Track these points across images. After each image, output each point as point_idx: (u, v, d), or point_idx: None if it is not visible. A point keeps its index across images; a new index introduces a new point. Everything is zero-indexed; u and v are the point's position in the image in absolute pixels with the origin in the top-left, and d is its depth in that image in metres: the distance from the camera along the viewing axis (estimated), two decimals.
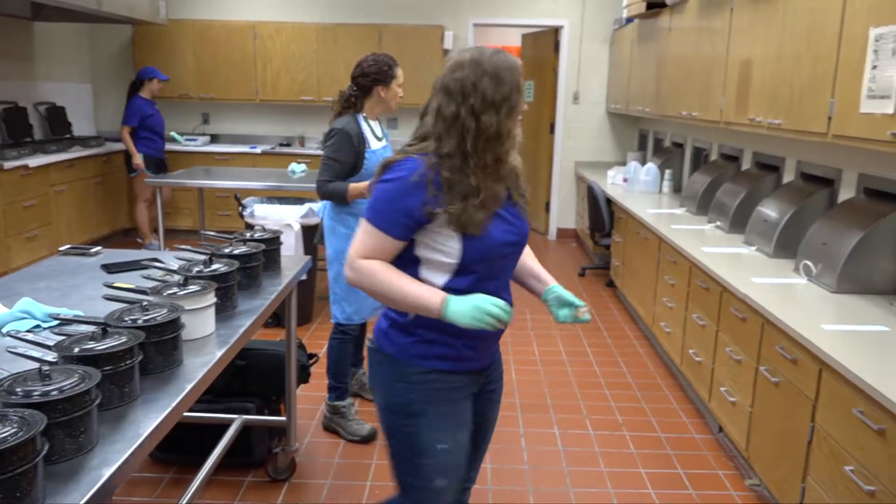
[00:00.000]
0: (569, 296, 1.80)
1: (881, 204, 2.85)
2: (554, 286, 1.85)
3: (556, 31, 7.40)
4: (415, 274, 1.67)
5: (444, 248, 1.64)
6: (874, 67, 2.46)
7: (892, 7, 2.36)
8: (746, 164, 4.42)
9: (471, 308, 1.57)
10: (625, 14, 6.13)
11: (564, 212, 7.75)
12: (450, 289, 1.64)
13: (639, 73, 6.05)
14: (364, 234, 1.64)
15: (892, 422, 1.84)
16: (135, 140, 6.18)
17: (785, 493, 2.48)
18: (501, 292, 1.73)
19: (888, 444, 1.87)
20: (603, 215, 5.62)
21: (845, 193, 3.19)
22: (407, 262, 1.67)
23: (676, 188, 5.68)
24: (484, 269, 1.67)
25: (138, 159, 6.16)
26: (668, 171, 5.64)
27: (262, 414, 2.94)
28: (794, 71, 3.07)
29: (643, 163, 6.04)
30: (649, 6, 5.35)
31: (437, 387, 1.71)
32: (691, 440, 3.31)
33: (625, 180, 5.90)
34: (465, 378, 1.75)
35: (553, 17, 7.29)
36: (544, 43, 7.65)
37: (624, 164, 6.91)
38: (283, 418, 2.89)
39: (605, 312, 5.20)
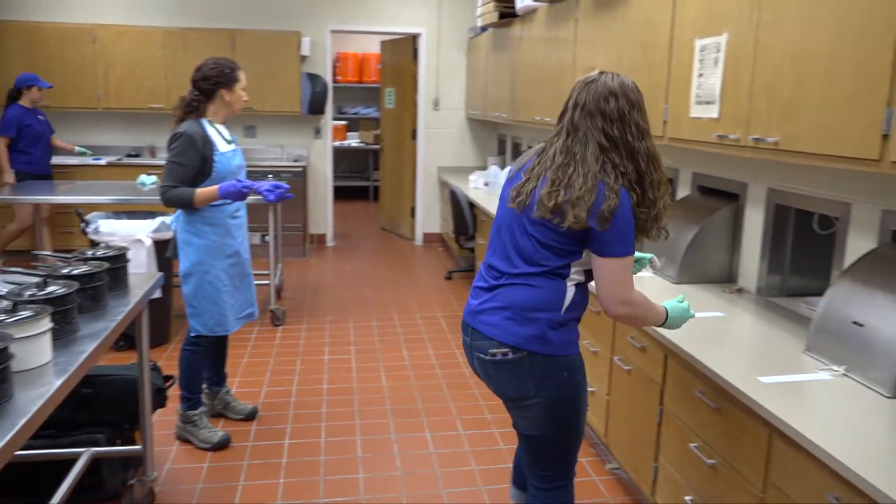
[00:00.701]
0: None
1: (713, 200, 3.11)
2: None
3: (414, 39, 7.48)
4: (567, 266, 1.90)
5: None
6: (700, 75, 2.68)
7: (712, 21, 2.59)
8: None
9: (683, 316, 2.05)
10: (479, 23, 6.31)
11: (429, 217, 7.84)
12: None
13: (494, 80, 6.25)
14: (625, 268, 1.84)
15: (726, 400, 2.01)
16: (11, 153, 5.55)
17: (640, 473, 2.65)
18: None
19: (725, 420, 2.04)
20: (466, 219, 5.75)
21: (682, 191, 3.46)
22: (571, 258, 1.90)
23: None
24: None
25: (9, 177, 5.52)
26: None
27: (114, 444, 2.74)
28: (633, 78, 3.28)
29: (503, 167, 6.24)
30: (502, 16, 5.54)
31: (580, 360, 2.00)
32: None
33: (486, 184, 6.07)
34: None
35: (410, 24, 7.37)
36: (403, 50, 7.72)
37: (485, 168, 7.11)
38: (139, 447, 2.70)
39: None
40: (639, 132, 1.85)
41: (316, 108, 7.13)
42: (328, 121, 7.42)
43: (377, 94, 9.48)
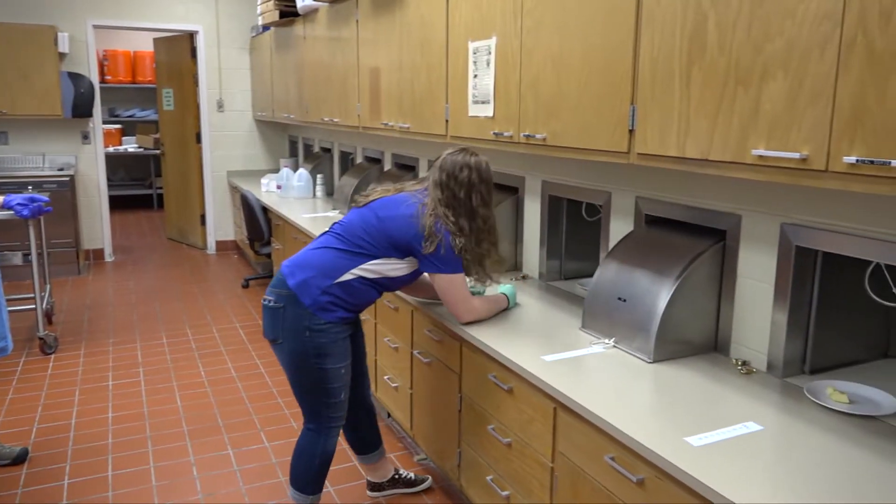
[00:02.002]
0: None
1: (495, 194, 3.28)
2: None
3: (191, 37, 7.07)
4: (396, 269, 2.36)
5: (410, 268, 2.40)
6: (475, 76, 2.82)
7: (483, 25, 2.74)
8: (388, 165, 4.75)
9: (515, 294, 2.64)
10: (260, 21, 6.11)
11: (222, 224, 7.48)
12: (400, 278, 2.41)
13: (281, 81, 6.10)
14: (457, 285, 2.35)
15: (516, 381, 2.14)
16: None
17: (446, 461, 2.74)
18: None
19: (516, 400, 2.17)
20: (260, 224, 5.56)
21: None
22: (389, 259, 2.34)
23: (329, 191, 5.87)
24: None
25: None
26: (319, 176, 5.80)
27: None
28: (414, 78, 3.38)
29: (295, 169, 6.12)
30: (282, 14, 5.41)
31: (331, 336, 2.33)
32: None
33: (278, 187, 5.91)
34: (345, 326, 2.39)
35: (185, 21, 6.96)
36: (180, 48, 7.26)
37: (277, 171, 6.92)
38: None
39: None
40: (480, 199, 2.32)
41: (82, 110, 6.47)
42: (98, 124, 6.76)
43: (154, 94, 8.83)
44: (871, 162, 1.36)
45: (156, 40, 7.66)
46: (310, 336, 2.29)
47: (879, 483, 1.43)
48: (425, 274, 2.45)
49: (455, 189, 2.29)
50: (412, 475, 2.93)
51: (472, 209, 2.31)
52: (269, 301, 2.35)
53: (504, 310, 2.58)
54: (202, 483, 2.97)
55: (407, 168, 4.40)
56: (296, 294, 2.28)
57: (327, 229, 2.46)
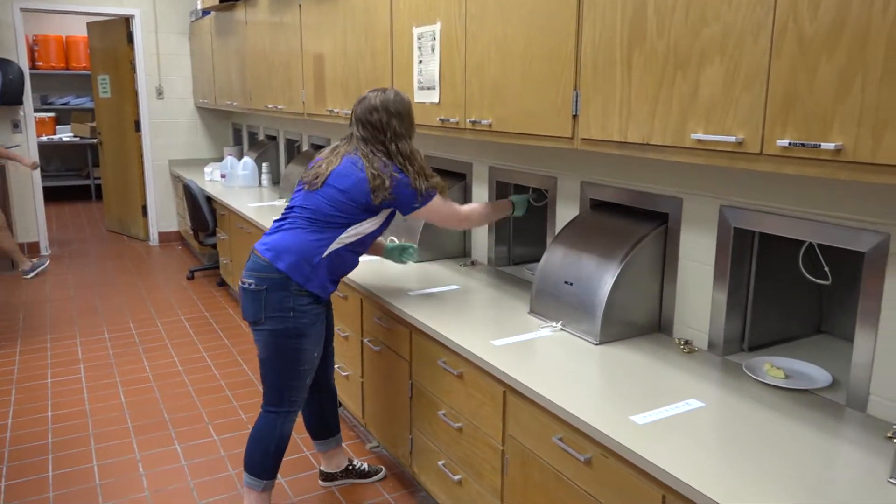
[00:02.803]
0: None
1: (449, 180, 3.28)
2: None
3: (127, 21, 6.83)
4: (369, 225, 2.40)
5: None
6: (420, 62, 2.81)
7: (427, 10, 2.72)
8: None
9: (525, 203, 2.77)
10: (199, 5, 5.94)
11: (164, 214, 7.29)
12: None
13: (222, 67, 5.95)
14: (440, 204, 2.43)
15: (466, 366, 2.15)
16: None
17: (398, 448, 2.74)
18: None
19: (466, 385, 2.18)
20: (205, 214, 5.43)
21: None
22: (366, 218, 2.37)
23: (275, 180, 5.77)
24: None
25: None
26: (265, 164, 5.70)
27: None
28: (359, 64, 3.34)
29: (240, 157, 5.99)
30: None
31: (311, 318, 2.38)
32: None
33: (223, 176, 5.78)
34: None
35: (120, 5, 6.71)
36: (115, 33, 7.01)
37: (220, 159, 6.77)
38: None
39: (220, 313, 5.05)
40: (395, 136, 2.35)
41: (11, 98, 6.20)
42: (29, 112, 6.48)
43: (89, 81, 8.51)
44: (803, 145, 1.41)
45: (89, 25, 7.37)
46: (294, 316, 2.33)
47: (814, 453, 1.49)
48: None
49: (378, 136, 2.35)
50: (366, 466, 2.92)
51: (387, 149, 2.36)
52: (250, 284, 2.35)
53: (507, 217, 2.82)
54: (148, 480, 2.90)
55: None
56: (288, 275, 2.31)
57: (290, 208, 2.42)
